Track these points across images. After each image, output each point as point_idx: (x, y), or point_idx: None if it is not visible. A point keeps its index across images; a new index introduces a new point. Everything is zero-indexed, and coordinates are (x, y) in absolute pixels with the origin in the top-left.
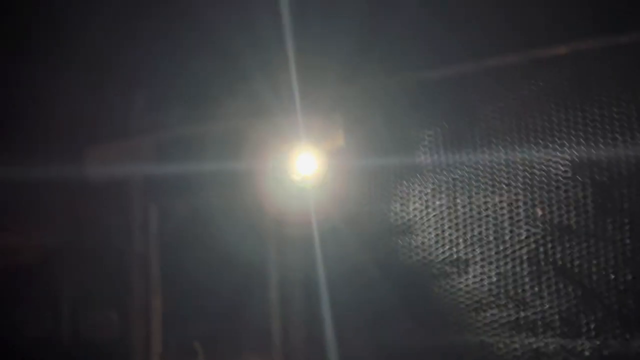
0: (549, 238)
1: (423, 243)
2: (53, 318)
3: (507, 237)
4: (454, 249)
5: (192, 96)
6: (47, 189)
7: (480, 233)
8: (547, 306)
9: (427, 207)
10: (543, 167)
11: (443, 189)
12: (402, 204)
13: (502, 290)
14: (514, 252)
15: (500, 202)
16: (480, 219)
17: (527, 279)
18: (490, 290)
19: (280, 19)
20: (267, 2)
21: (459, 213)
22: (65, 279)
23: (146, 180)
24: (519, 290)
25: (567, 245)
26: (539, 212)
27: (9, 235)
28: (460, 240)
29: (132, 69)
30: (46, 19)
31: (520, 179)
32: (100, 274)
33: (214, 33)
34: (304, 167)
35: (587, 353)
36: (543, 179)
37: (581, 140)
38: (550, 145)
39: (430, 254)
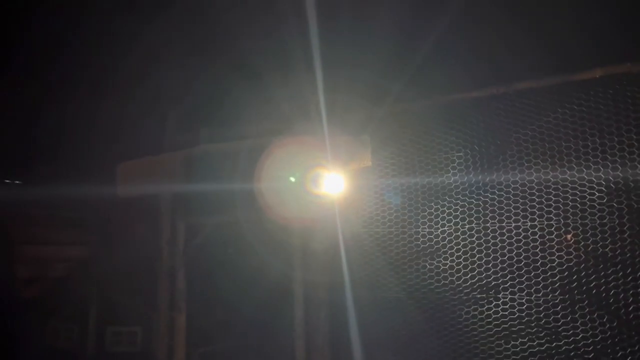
0: (583, 266)
1: (452, 267)
2: (79, 330)
3: (539, 264)
4: (484, 275)
5: (222, 116)
6: (77, 204)
7: (511, 259)
8: (580, 336)
9: (456, 230)
10: (577, 192)
11: (473, 212)
12: (430, 227)
13: (534, 319)
14: (546, 279)
15: (532, 227)
16: (511, 244)
17: (559, 308)
18: (520, 318)
19: (310, 42)
20: (297, 26)
21: (489, 237)
22: (92, 292)
23: (175, 197)
24: (551, 319)
25: (602, 273)
26: (570, 237)
27: (39, 249)
28: (490, 265)
29: (164, 89)
30: (80, 41)
31: (553, 204)
32: (127, 288)
33: (246, 55)
34: (331, 186)
35: None
36: (577, 204)
37: (617, 165)
38: (585, 170)
39: (458, 278)
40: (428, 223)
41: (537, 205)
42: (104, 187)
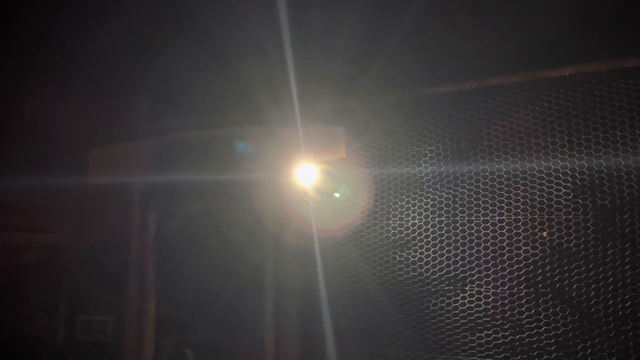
0: (547, 260)
1: (421, 259)
2: (48, 318)
3: (505, 258)
4: (452, 267)
5: (195, 104)
6: (48, 191)
7: (478, 252)
8: (543, 329)
9: (426, 223)
10: (544, 188)
11: (443, 205)
12: (401, 219)
13: (499, 311)
14: (511, 272)
15: (500, 221)
16: (479, 238)
17: (524, 301)
18: (486, 310)
19: (281, 32)
20: (270, 17)
21: (457, 231)
22: (62, 281)
23: (146, 185)
24: (515, 312)
25: (566, 268)
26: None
27: (8, 236)
28: (459, 258)
29: (137, 76)
30: (54, 25)
31: (521, 199)
32: (97, 276)
33: (218, 45)
34: (304, 178)
35: None
36: (544, 200)
37: (584, 162)
38: (552, 166)
39: (427, 270)
40: (399, 215)
41: (506, 200)
42: (75, 174)
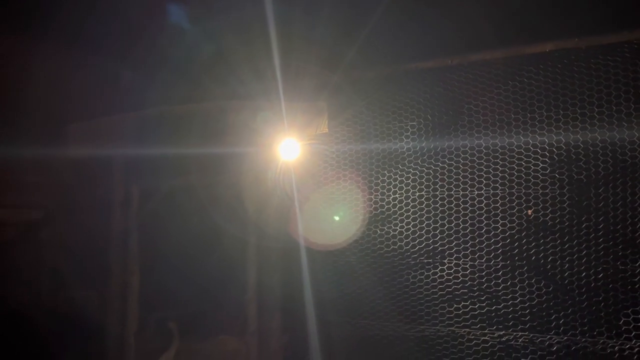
0: (524, 233)
1: (401, 233)
2: (32, 293)
3: (483, 231)
4: (431, 240)
5: (177, 78)
6: (29, 165)
7: (457, 226)
8: (519, 300)
9: (406, 197)
10: (522, 163)
11: (423, 180)
12: (382, 193)
13: (476, 283)
14: (489, 246)
15: (479, 196)
16: (458, 212)
17: (500, 273)
18: (464, 282)
19: (264, 4)
20: None
21: (437, 205)
22: (45, 256)
23: (129, 160)
24: (492, 284)
25: (542, 241)
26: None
27: None
28: (438, 232)
29: (118, 48)
30: None
31: (500, 174)
32: (80, 251)
33: (200, 17)
34: (286, 152)
35: (554, 348)
36: (522, 174)
37: (561, 138)
38: (531, 141)
39: (407, 244)
40: (380, 190)
41: (485, 175)
42: (56, 148)
